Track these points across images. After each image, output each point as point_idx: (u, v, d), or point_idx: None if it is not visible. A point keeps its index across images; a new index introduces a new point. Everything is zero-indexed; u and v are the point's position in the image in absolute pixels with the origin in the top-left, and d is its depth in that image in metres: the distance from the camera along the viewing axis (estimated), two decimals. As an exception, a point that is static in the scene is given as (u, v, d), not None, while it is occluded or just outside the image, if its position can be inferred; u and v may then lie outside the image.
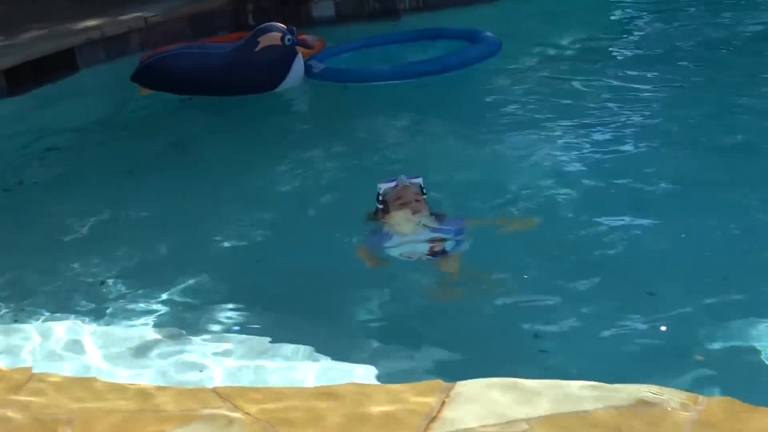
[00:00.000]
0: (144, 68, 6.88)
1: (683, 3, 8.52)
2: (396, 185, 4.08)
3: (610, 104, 6.04)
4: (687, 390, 2.26)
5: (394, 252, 3.93)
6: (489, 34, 7.10)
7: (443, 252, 3.86)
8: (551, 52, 7.37)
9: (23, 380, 2.76)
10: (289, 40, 6.46)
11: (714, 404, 2.17)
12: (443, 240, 3.89)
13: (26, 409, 2.55)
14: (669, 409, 2.18)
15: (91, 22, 7.87)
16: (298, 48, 6.58)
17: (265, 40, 6.48)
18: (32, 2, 8.76)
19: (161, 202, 5.05)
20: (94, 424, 2.42)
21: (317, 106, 6.95)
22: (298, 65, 6.63)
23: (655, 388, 2.26)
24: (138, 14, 8.02)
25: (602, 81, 6.50)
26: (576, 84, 6.50)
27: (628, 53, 7.28)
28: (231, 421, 2.33)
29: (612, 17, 8.42)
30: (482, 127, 5.87)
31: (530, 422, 2.18)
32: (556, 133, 5.53)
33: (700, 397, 2.20)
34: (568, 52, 7.34)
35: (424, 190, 4.10)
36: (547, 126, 5.66)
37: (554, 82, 6.62)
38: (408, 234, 3.93)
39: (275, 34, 6.48)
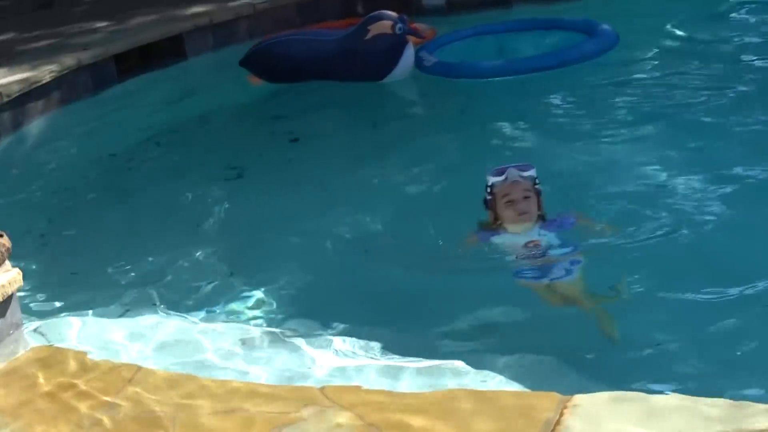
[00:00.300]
0: (253, 53, 6.93)
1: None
2: (505, 179, 3.90)
3: (732, 105, 5.79)
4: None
5: (497, 240, 3.92)
6: (606, 26, 6.89)
7: (542, 253, 3.77)
8: (669, 46, 7.14)
9: (129, 375, 2.84)
10: (400, 29, 6.41)
11: None
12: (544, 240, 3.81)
13: (131, 406, 2.61)
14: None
15: (199, 9, 8.01)
16: (408, 37, 6.52)
17: (375, 29, 6.46)
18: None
19: (270, 195, 5.09)
20: (198, 423, 2.45)
21: (426, 98, 6.90)
22: (408, 55, 6.58)
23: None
24: (246, 1, 8.09)
25: (725, 83, 6.23)
26: (696, 83, 6.26)
27: (754, 42, 6.97)
28: (339, 424, 2.32)
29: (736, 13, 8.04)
30: (597, 123, 5.73)
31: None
32: (672, 135, 5.36)
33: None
34: (688, 48, 7.07)
35: (537, 181, 3.91)
36: (661, 127, 5.49)
37: (672, 79, 6.40)
38: (519, 233, 3.87)
39: (386, 22, 6.44)
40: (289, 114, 6.64)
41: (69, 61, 6.76)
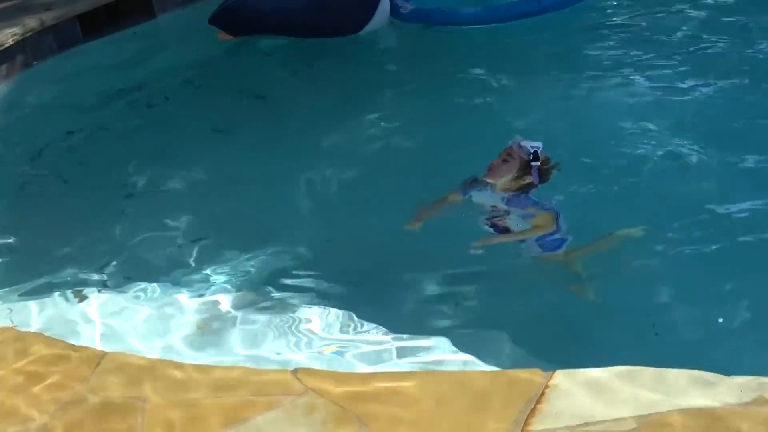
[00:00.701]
0: (223, 10, 6.90)
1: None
2: (509, 143, 4.05)
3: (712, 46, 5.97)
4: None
5: (474, 196, 4.04)
6: None
7: (505, 228, 3.91)
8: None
9: (96, 360, 2.76)
10: None
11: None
12: (508, 214, 3.91)
13: (98, 392, 2.56)
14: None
15: None
16: None
17: None
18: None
19: (243, 159, 5.10)
20: (166, 410, 2.41)
21: (403, 50, 6.93)
22: (384, 5, 6.62)
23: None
24: None
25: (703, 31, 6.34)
26: (674, 31, 6.40)
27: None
28: (313, 407, 2.31)
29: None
30: (575, 72, 5.86)
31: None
32: (649, 84, 5.48)
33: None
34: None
35: (534, 158, 3.93)
36: (637, 75, 5.65)
37: (649, 26, 6.57)
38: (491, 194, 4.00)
39: None
40: (260, 74, 6.66)
41: (32, 23, 6.73)
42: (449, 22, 6.71)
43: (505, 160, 3.97)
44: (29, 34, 6.70)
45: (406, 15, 6.73)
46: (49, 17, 6.88)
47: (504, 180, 3.93)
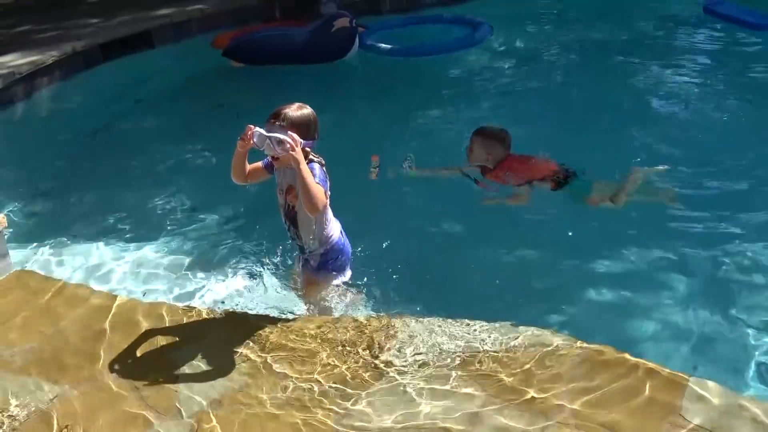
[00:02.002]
0: (236, 46, 8.38)
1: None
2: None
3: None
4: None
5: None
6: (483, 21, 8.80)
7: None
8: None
9: (110, 303, 3.71)
10: (353, 22, 8.29)
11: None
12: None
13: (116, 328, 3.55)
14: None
15: (164, 11, 9.37)
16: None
17: (338, 23, 8.28)
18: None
19: (204, 154, 6.14)
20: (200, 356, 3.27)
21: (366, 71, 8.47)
22: (357, 40, 8.44)
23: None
24: (197, 7, 9.52)
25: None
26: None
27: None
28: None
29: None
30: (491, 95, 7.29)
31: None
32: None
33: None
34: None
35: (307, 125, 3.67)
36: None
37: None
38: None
39: (345, 18, 8.32)
40: (228, 89, 7.80)
41: (67, 48, 8.11)
42: (398, 54, 8.35)
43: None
44: (64, 56, 7.98)
45: (369, 47, 8.39)
46: (79, 45, 8.28)
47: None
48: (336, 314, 3.86)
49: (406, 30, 9.29)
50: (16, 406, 3.19)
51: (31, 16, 9.99)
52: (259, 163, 3.84)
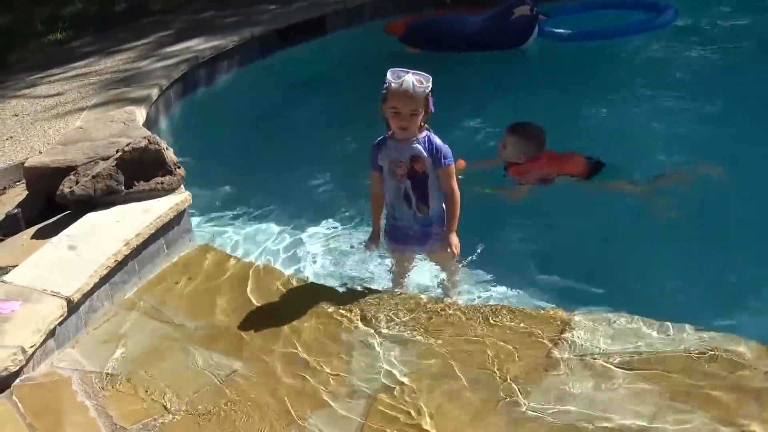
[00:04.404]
0: (410, 31, 8.41)
1: None
2: (401, 84, 3.54)
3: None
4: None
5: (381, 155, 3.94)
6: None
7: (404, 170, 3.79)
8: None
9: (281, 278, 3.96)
10: (534, 10, 8.14)
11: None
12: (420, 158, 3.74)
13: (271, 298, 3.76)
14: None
15: None
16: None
17: (519, 11, 8.15)
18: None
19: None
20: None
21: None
22: (536, 27, 8.28)
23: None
24: None
25: None
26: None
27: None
28: None
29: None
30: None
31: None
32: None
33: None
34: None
35: (430, 94, 3.57)
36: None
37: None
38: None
39: (526, 6, 8.16)
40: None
41: (246, 34, 8.33)
42: (580, 38, 8.15)
43: (414, 114, 3.64)
44: (243, 41, 8.16)
45: (548, 34, 8.21)
46: (257, 30, 8.47)
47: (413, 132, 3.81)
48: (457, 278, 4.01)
49: (584, 15, 9.00)
50: (193, 379, 3.29)
51: (215, 2, 10.36)
52: (375, 174, 3.94)
